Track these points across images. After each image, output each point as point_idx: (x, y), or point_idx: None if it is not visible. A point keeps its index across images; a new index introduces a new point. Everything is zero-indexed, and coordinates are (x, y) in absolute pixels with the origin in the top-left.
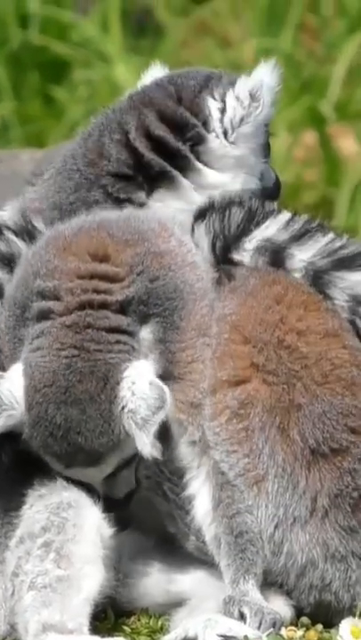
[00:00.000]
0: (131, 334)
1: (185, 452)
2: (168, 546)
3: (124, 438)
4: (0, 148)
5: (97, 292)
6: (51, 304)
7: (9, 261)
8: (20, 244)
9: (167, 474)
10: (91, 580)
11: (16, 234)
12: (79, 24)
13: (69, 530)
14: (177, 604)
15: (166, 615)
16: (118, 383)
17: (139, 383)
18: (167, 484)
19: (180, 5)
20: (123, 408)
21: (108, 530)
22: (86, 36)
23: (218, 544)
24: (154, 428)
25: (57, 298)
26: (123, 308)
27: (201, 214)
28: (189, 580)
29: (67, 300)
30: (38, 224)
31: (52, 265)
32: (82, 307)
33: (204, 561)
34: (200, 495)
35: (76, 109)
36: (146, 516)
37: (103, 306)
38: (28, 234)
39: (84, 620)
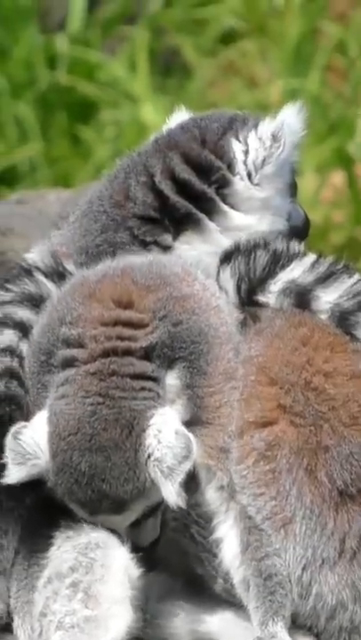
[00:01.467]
0: (156, 380)
1: (213, 496)
2: (195, 587)
3: (150, 486)
4: (28, 188)
5: (121, 338)
6: (75, 352)
7: (38, 302)
8: (49, 285)
9: (194, 517)
10: (118, 620)
11: (46, 275)
12: (107, 64)
13: (97, 570)
14: None
15: None
16: (144, 431)
17: (165, 431)
18: (195, 527)
19: (207, 46)
20: (149, 456)
21: (135, 570)
22: (114, 76)
23: (246, 587)
24: (180, 477)
25: (81, 345)
26: (147, 355)
27: (227, 257)
28: (217, 621)
29: (91, 347)
30: (69, 266)
31: (76, 312)
32: (106, 354)
33: (232, 602)
34: (228, 539)
35: (104, 150)
36: (173, 557)
37: (127, 353)
38: (58, 275)
39: None
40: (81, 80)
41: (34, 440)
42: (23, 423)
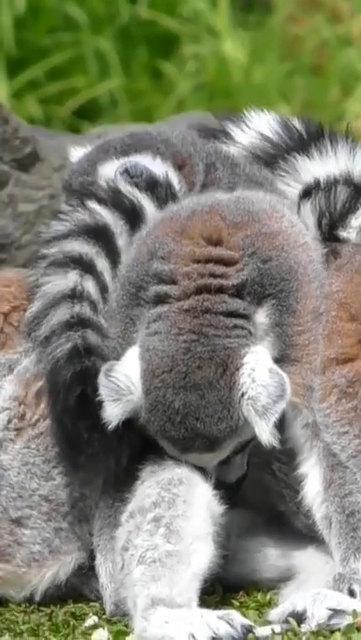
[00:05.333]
0: (247, 318)
1: (298, 434)
2: (277, 523)
3: (242, 424)
4: (109, 123)
5: (213, 276)
6: (167, 288)
7: (94, 233)
8: (104, 212)
9: (277, 454)
10: (200, 555)
11: (99, 201)
12: None
13: (180, 505)
14: (285, 578)
15: (275, 590)
16: (238, 369)
17: (258, 370)
18: (276, 464)
19: None
20: (242, 395)
21: (218, 507)
22: (195, 10)
23: (328, 523)
24: (275, 416)
25: (174, 282)
26: (238, 292)
27: (307, 193)
28: (298, 556)
29: (184, 284)
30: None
31: (167, 248)
32: (199, 291)
33: (313, 538)
34: (311, 475)
35: (184, 84)
36: (255, 494)
37: (220, 290)
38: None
39: (192, 595)
40: (162, 14)
41: (126, 376)
42: (113, 361)
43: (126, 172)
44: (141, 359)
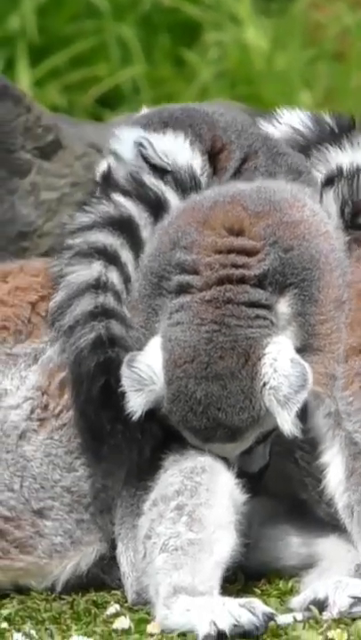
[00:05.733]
0: (269, 308)
1: (320, 423)
2: (299, 511)
3: (264, 415)
4: (131, 110)
5: (235, 266)
6: (190, 278)
7: (119, 225)
8: (128, 205)
9: (299, 442)
10: (222, 544)
11: (124, 194)
12: None
13: (202, 494)
14: (307, 566)
15: (296, 577)
16: (259, 359)
17: (280, 360)
18: (299, 452)
19: None
20: (264, 385)
21: (240, 495)
22: None
23: (350, 512)
24: (297, 406)
25: (196, 272)
26: (260, 282)
27: (329, 181)
28: (320, 544)
29: (206, 274)
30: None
31: (190, 238)
32: (221, 282)
33: (336, 526)
34: (333, 464)
35: (207, 71)
36: (277, 482)
37: (242, 280)
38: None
39: (214, 583)
40: (184, 1)
41: (149, 366)
42: (136, 352)
43: (141, 146)
44: (163, 349)
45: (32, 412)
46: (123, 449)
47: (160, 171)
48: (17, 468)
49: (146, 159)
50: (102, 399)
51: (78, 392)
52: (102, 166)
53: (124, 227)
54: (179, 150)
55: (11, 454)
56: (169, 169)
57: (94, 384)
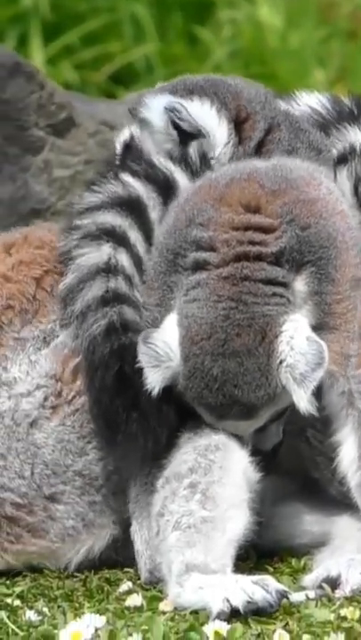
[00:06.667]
0: (286, 286)
1: (334, 401)
2: (311, 490)
3: (280, 392)
4: (144, 88)
5: (252, 243)
6: (206, 255)
7: (127, 206)
8: (137, 185)
9: (311, 421)
10: (235, 522)
11: (133, 174)
12: None
13: (216, 472)
14: (320, 544)
15: (309, 555)
16: (276, 337)
17: (297, 338)
18: (310, 431)
19: None
20: (281, 362)
21: (254, 474)
22: None
23: None
24: (313, 384)
25: (213, 249)
26: (277, 260)
27: (342, 159)
28: (333, 522)
29: (223, 251)
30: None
31: (206, 215)
32: (238, 258)
33: (348, 504)
34: (346, 444)
35: (220, 50)
36: (289, 460)
37: (259, 258)
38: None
39: (227, 561)
40: None
41: (165, 343)
42: (151, 329)
43: (173, 111)
44: (180, 326)
45: (45, 399)
46: (138, 437)
47: (188, 137)
48: (27, 456)
49: (176, 126)
50: (117, 387)
51: (92, 380)
52: (124, 135)
53: (133, 207)
54: (206, 117)
55: (21, 442)
56: (203, 132)
57: (108, 372)
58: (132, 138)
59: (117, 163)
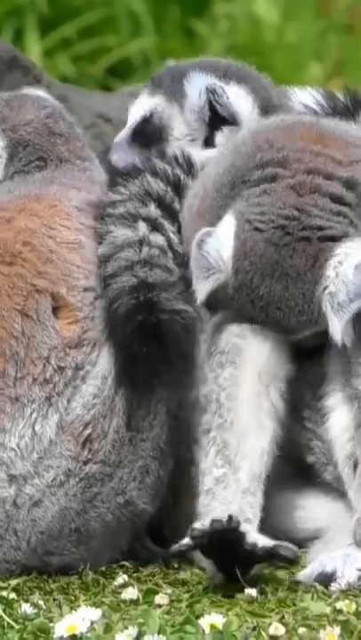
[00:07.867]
0: (352, 208)
1: (335, 360)
2: (305, 478)
3: (322, 318)
4: (141, 82)
5: (325, 164)
6: (277, 170)
7: (155, 199)
8: (158, 186)
9: (307, 400)
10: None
11: (154, 174)
12: None
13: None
14: (313, 536)
15: (302, 549)
16: (327, 261)
17: (345, 265)
18: (307, 411)
19: None
20: (324, 289)
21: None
22: None
23: (353, 464)
24: (348, 315)
25: (283, 166)
26: (348, 184)
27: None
28: (326, 518)
29: (295, 167)
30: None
31: (279, 141)
32: (310, 172)
33: (342, 493)
34: (338, 410)
35: (217, 43)
36: (283, 446)
37: (330, 177)
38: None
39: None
40: None
41: (217, 252)
42: (207, 230)
43: (214, 93)
44: (236, 238)
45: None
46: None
47: (219, 121)
48: None
49: (212, 108)
50: (139, 337)
51: (114, 330)
52: (143, 108)
53: (160, 202)
54: (242, 104)
55: None
56: (236, 119)
57: (131, 322)
58: (152, 115)
59: (129, 134)
